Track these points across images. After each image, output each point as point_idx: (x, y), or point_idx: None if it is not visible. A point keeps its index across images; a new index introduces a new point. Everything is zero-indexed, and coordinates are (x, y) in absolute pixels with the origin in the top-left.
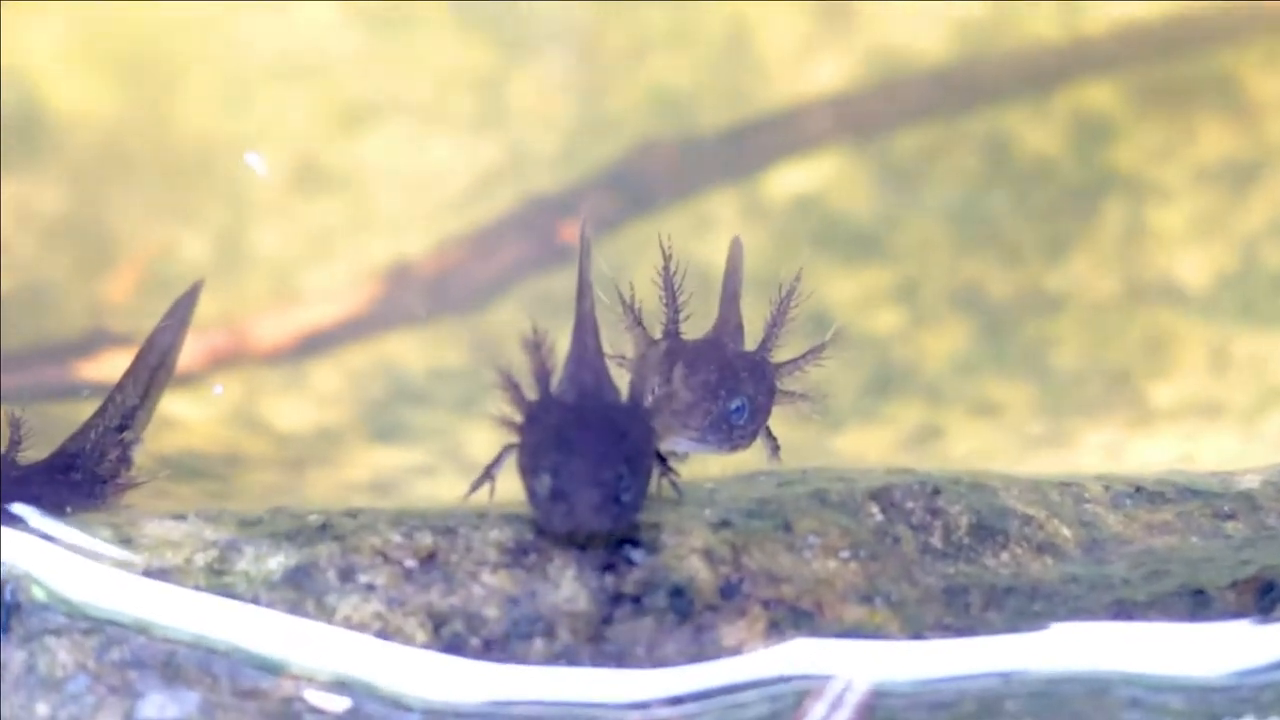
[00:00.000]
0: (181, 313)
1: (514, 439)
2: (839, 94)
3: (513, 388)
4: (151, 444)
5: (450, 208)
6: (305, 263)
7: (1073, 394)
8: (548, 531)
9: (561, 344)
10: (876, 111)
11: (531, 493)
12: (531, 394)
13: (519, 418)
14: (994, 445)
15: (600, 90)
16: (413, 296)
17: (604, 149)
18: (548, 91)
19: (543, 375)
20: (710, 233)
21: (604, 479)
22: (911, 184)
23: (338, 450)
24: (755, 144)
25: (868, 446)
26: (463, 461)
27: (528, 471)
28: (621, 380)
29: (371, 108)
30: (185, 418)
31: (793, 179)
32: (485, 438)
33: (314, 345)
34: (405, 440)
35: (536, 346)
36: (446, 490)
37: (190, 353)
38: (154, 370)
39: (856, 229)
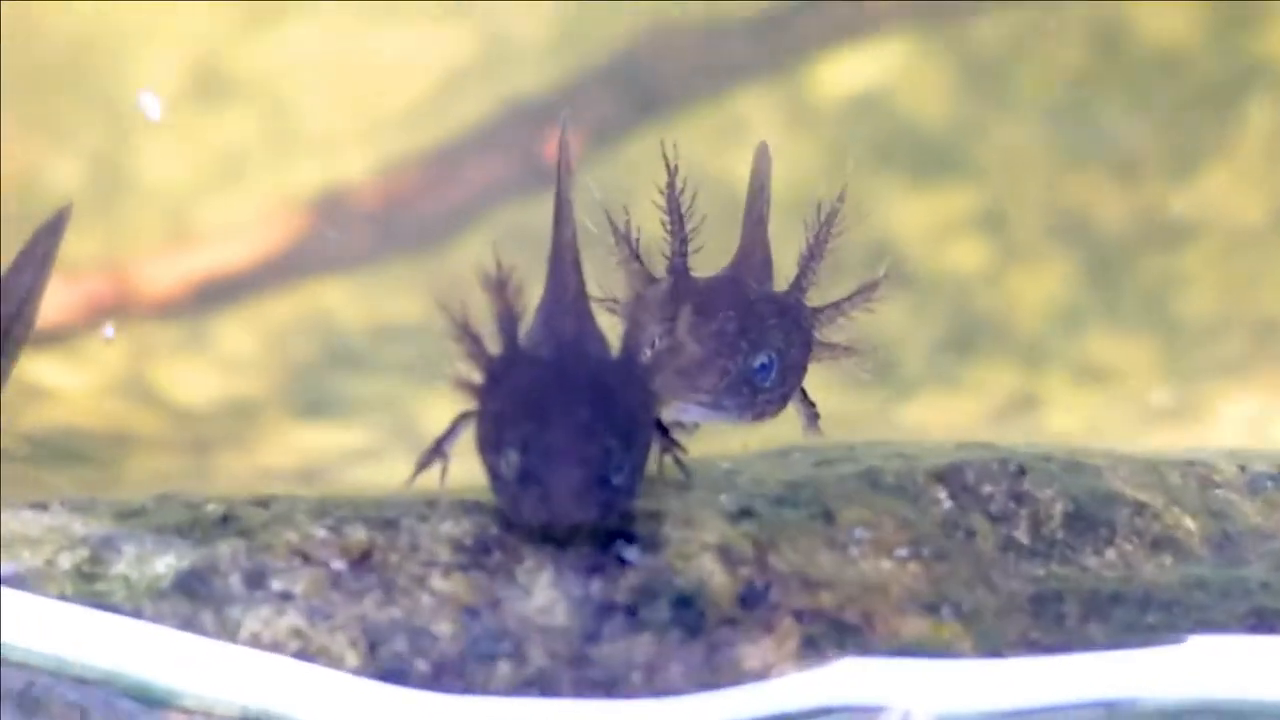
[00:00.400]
0: (42, 248)
1: (472, 405)
2: None
3: (470, 339)
4: (11, 417)
5: (400, 119)
6: (206, 190)
7: (1206, 351)
8: (516, 524)
9: (535, 284)
10: None
11: (495, 474)
12: (494, 347)
13: (478, 377)
14: (1105, 418)
15: None
16: (335, 225)
17: (603, 37)
18: None
19: (508, 322)
20: (739, 144)
21: (588, 456)
22: (999, 81)
23: (253, 429)
24: (797, 28)
25: (944, 420)
26: (416, 443)
27: (490, 447)
28: (612, 331)
29: None
30: (56, 386)
31: (846, 74)
32: (446, 412)
33: (220, 294)
34: (341, 415)
35: (500, 285)
36: (396, 480)
37: (58, 302)
38: (8, 322)
39: (929, 139)
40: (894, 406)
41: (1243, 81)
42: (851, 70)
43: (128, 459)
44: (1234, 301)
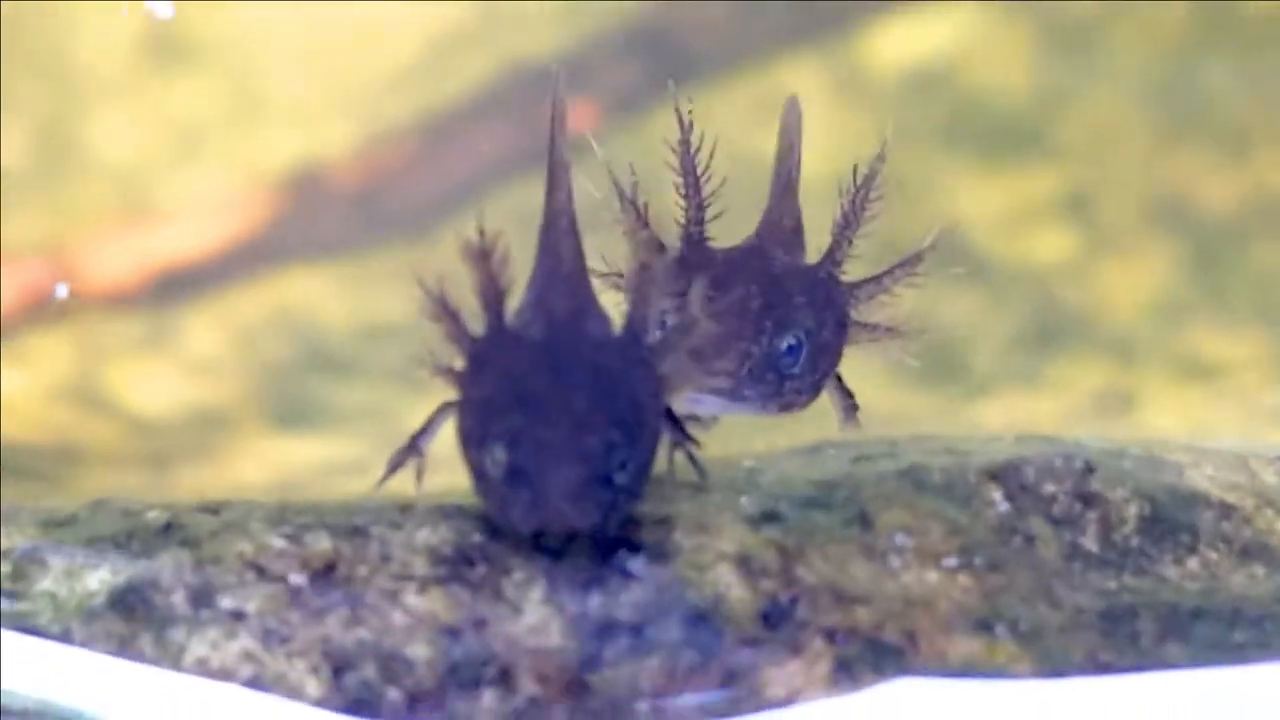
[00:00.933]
0: None
1: (453, 395)
2: None
3: (450, 318)
4: None
5: (387, 87)
6: (166, 165)
7: None
8: (504, 530)
9: (525, 257)
10: None
11: (479, 473)
12: (478, 327)
13: (459, 362)
14: (1210, 420)
15: None
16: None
17: None
18: None
19: (494, 298)
20: (777, 117)
21: (587, 451)
22: (1086, 46)
23: (220, 439)
24: None
25: (1021, 422)
26: None
27: (473, 442)
28: (615, 308)
29: None
30: None
31: (906, 40)
32: None
33: (181, 285)
34: (320, 424)
35: (484, 256)
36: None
37: None
38: None
39: (1005, 114)
40: (963, 405)
41: None
42: (912, 36)
43: (75, 475)
44: None
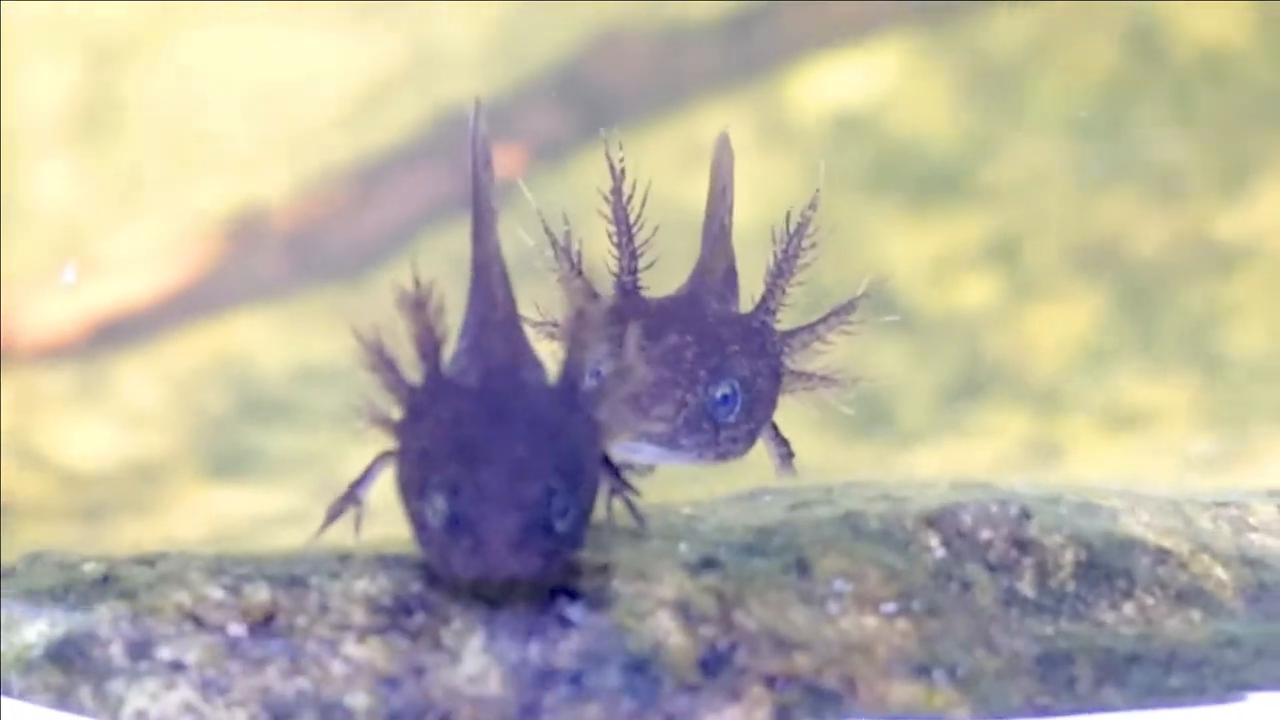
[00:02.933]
0: None
1: (391, 444)
2: None
3: (386, 367)
4: None
5: (321, 132)
6: (102, 214)
7: (1255, 393)
8: (444, 579)
9: (458, 305)
10: None
11: (419, 523)
12: (414, 376)
13: (397, 411)
14: (1139, 467)
15: None
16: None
17: (546, 44)
18: None
19: (430, 347)
20: (704, 165)
21: (527, 498)
22: (1013, 90)
23: (156, 491)
24: (771, 32)
25: (949, 471)
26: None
27: (413, 491)
28: (550, 357)
29: None
30: None
31: (831, 85)
32: None
33: (118, 334)
34: (258, 474)
35: (419, 305)
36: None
37: None
38: None
39: (932, 159)
40: (891, 455)
41: None
42: (837, 80)
43: (9, 528)
44: None
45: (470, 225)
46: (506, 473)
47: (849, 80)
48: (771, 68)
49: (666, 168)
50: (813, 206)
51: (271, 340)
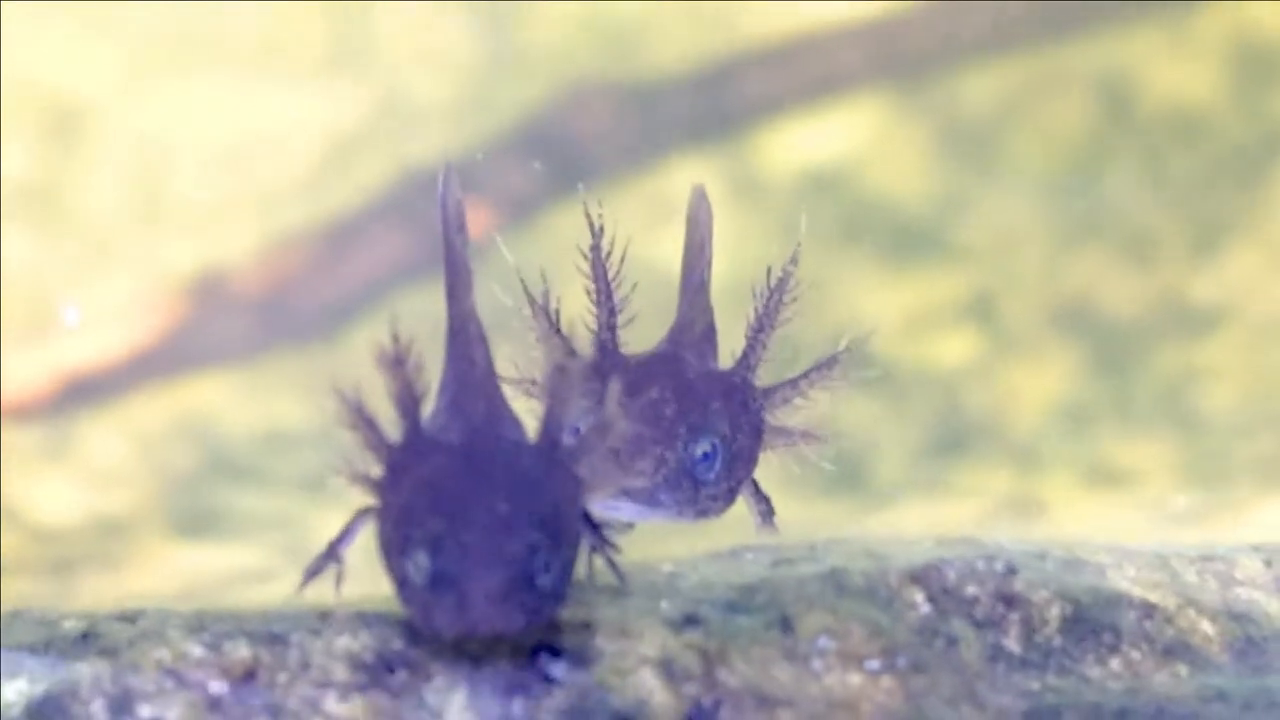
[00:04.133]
0: None
1: (371, 501)
2: (873, 16)
3: (365, 425)
4: None
5: (287, 191)
6: (68, 275)
7: (1232, 452)
8: (427, 635)
9: (435, 363)
10: (931, 40)
11: (402, 580)
12: (393, 433)
13: (377, 468)
14: (1120, 525)
15: (512, 15)
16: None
17: (515, 100)
18: (433, 17)
19: (409, 404)
20: (674, 221)
21: (511, 554)
22: (986, 149)
23: (123, 548)
24: (743, 89)
25: (934, 527)
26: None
27: (395, 548)
28: (528, 415)
29: (166, 47)
30: None
31: (804, 142)
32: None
33: (84, 394)
34: (225, 533)
35: (398, 362)
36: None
37: None
38: None
39: (904, 216)
40: (868, 515)
41: (1271, 147)
42: (809, 137)
43: None
44: (1264, 396)
45: (445, 287)
46: (489, 528)
47: (822, 137)
48: (743, 124)
49: (637, 224)
50: (794, 261)
51: (237, 402)
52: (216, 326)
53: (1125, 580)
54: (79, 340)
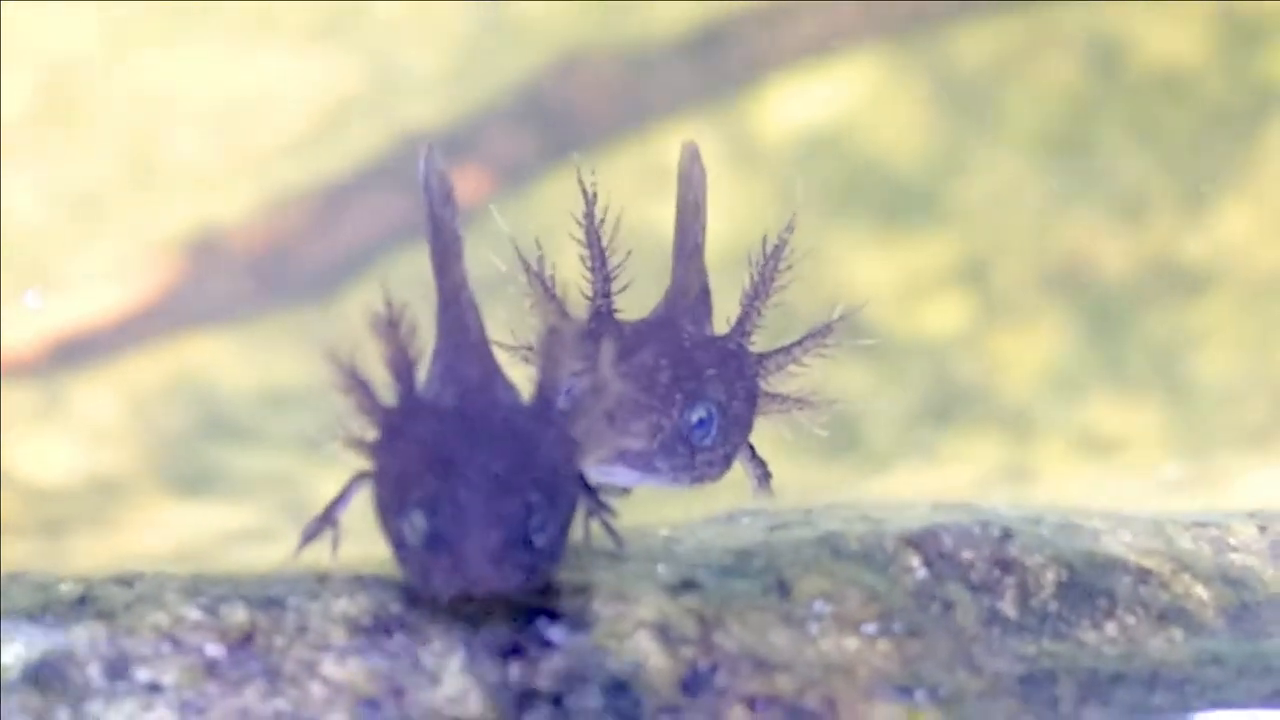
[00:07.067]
0: None
1: (367, 464)
2: None
3: (360, 388)
4: None
5: (282, 153)
6: (61, 233)
7: (1223, 417)
8: (424, 596)
9: (428, 327)
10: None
11: (398, 541)
12: (389, 396)
13: (372, 432)
14: (1112, 493)
15: None
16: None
17: (510, 65)
18: None
19: (404, 368)
20: (669, 186)
21: (507, 513)
22: (979, 109)
23: (117, 507)
24: (737, 51)
25: (927, 492)
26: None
27: (391, 510)
28: (523, 381)
29: (164, 10)
30: None
31: (798, 105)
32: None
33: (77, 353)
34: (221, 492)
35: (392, 326)
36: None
37: None
38: None
39: (899, 179)
40: (860, 480)
41: (1261, 105)
42: (804, 99)
43: None
44: (1255, 360)
45: (433, 261)
46: (485, 489)
47: (816, 99)
48: (737, 87)
49: (631, 190)
50: (790, 228)
51: (232, 360)
52: (212, 286)
53: (1120, 545)
54: (74, 301)
